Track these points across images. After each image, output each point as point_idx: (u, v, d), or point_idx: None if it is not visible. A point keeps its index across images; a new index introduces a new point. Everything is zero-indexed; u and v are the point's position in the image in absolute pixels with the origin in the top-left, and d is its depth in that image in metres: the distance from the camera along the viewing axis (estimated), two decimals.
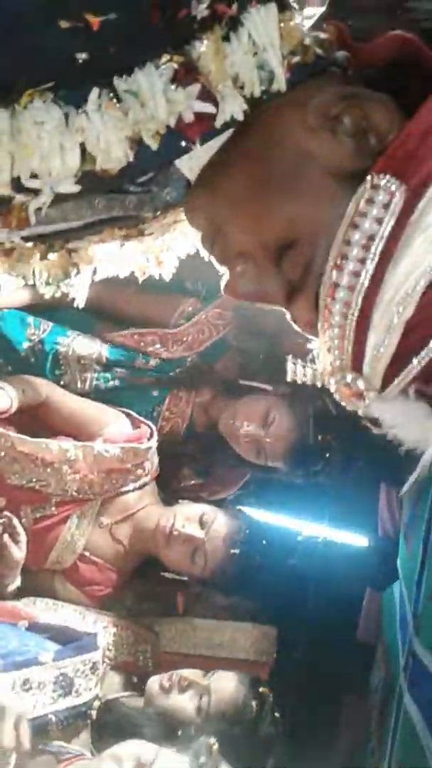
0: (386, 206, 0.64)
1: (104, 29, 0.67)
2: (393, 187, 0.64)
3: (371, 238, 0.65)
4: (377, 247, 0.65)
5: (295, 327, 0.77)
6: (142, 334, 2.05)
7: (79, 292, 1.08)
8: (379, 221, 0.65)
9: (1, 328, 1.98)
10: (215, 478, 2.19)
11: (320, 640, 2.09)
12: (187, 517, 1.86)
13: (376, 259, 0.65)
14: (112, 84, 0.69)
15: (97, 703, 1.50)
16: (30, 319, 2.00)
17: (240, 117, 0.72)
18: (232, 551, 1.82)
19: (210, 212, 0.78)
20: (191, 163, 0.77)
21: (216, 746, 1.40)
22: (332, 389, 0.73)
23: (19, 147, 0.69)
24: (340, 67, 0.75)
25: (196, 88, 0.70)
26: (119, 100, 0.69)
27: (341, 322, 0.67)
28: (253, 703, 1.66)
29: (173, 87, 0.69)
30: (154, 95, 0.68)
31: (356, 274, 0.66)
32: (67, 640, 1.59)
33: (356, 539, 2.37)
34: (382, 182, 0.65)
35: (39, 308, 2.02)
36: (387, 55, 0.75)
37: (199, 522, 1.85)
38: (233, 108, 0.71)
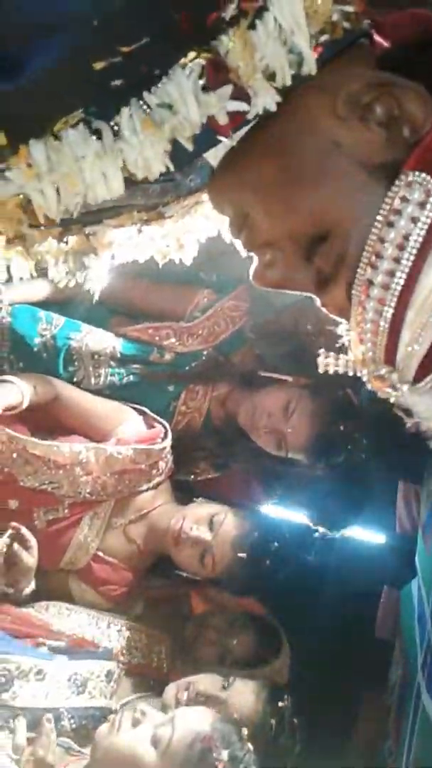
0: (422, 205, 0.64)
1: (136, 52, 0.65)
2: (429, 186, 0.63)
3: (406, 237, 0.64)
4: (412, 247, 0.64)
5: (325, 311, 0.76)
6: (157, 328, 2.00)
7: (96, 279, 1.04)
8: (414, 220, 0.64)
9: (12, 324, 1.93)
10: (233, 473, 2.14)
11: (338, 638, 2.07)
12: (197, 518, 1.84)
13: (412, 259, 0.64)
14: (143, 97, 0.68)
15: (112, 717, 1.46)
16: (42, 313, 1.96)
17: (273, 109, 0.70)
18: (240, 555, 1.79)
19: (237, 201, 0.77)
20: (216, 152, 0.77)
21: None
22: (365, 379, 0.73)
23: (62, 179, 0.69)
24: (367, 37, 0.73)
25: (228, 89, 0.68)
26: (149, 108, 0.68)
27: (375, 318, 0.67)
28: (272, 721, 1.64)
29: (202, 84, 0.68)
30: (185, 101, 0.68)
31: (391, 274, 0.65)
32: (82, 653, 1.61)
33: (374, 536, 2.34)
34: (418, 179, 0.64)
35: (51, 303, 1.98)
36: (411, 34, 0.72)
37: (208, 523, 1.82)
38: (266, 101, 0.70)
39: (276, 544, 1.87)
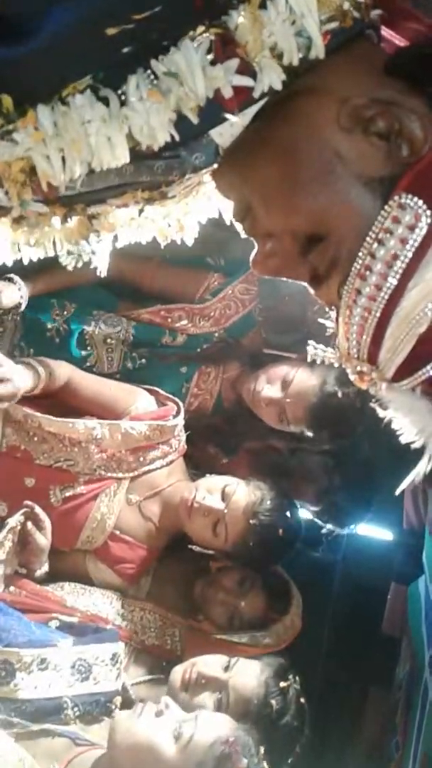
0: (411, 228, 0.68)
1: (148, 20, 0.67)
2: (419, 211, 0.67)
3: (395, 257, 0.69)
4: (400, 266, 0.69)
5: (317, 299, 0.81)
6: (169, 310, 2.02)
7: (101, 260, 1.06)
8: (404, 242, 0.68)
9: (25, 311, 1.96)
10: (242, 463, 2.17)
11: (345, 633, 2.08)
12: (209, 488, 1.84)
13: (398, 277, 0.69)
14: (150, 65, 0.69)
15: (118, 699, 1.48)
16: (54, 300, 1.98)
17: (278, 87, 0.72)
18: (252, 521, 1.79)
19: (240, 192, 0.80)
20: (222, 129, 0.78)
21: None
22: (348, 372, 0.79)
23: (67, 143, 0.70)
24: (374, 28, 0.76)
25: (234, 62, 0.70)
26: (156, 77, 0.70)
27: (360, 323, 0.72)
28: (274, 702, 1.63)
29: (210, 59, 0.69)
30: (192, 72, 0.69)
31: (378, 287, 0.70)
32: (89, 632, 1.59)
33: (381, 533, 2.34)
34: (410, 203, 0.68)
35: (63, 289, 2.01)
36: (426, 42, 0.75)
37: (221, 493, 1.83)
38: (271, 79, 0.71)
39: (288, 513, 1.87)
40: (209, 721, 1.34)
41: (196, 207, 0.98)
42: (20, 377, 1.71)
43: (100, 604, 1.81)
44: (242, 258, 2.01)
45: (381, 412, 0.79)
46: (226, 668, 1.66)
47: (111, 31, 0.66)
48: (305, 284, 0.81)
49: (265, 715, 1.60)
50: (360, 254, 0.70)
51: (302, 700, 1.67)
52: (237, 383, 2.06)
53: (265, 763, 1.37)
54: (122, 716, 1.35)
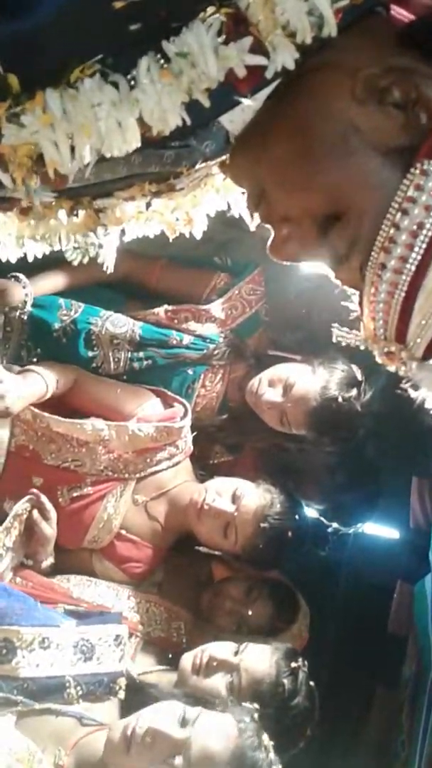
0: None
1: None
2: None
3: (420, 225, 0.66)
4: (426, 235, 0.66)
5: (338, 284, 0.79)
6: (176, 311, 2.03)
7: (108, 256, 1.06)
8: (428, 209, 0.66)
9: (32, 311, 1.97)
10: (247, 462, 2.17)
11: (351, 632, 2.07)
12: (219, 491, 1.85)
13: (424, 246, 0.66)
14: (161, 48, 0.69)
15: (123, 680, 1.47)
16: (61, 300, 1.99)
17: (291, 66, 0.71)
18: (262, 525, 1.80)
19: (254, 175, 0.79)
20: (232, 116, 0.77)
21: (257, 714, 1.39)
22: (375, 354, 0.76)
23: (76, 127, 0.69)
24: (384, 6, 0.74)
25: (247, 41, 0.69)
26: (168, 61, 0.69)
27: (387, 299, 0.69)
28: (286, 681, 1.63)
29: (222, 41, 0.68)
30: (204, 53, 0.68)
31: (404, 260, 0.67)
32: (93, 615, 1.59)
33: (388, 531, 2.34)
34: None
35: (70, 289, 2.01)
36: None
37: (231, 496, 1.84)
38: (285, 58, 0.70)
39: (297, 516, 1.88)
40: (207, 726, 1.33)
41: (205, 199, 0.98)
42: (19, 390, 1.72)
43: (106, 595, 1.82)
44: (249, 258, 2.04)
45: (413, 394, 0.77)
46: (236, 652, 1.66)
47: (118, 4, 0.65)
48: (324, 270, 0.78)
49: (277, 694, 1.61)
50: (383, 227, 0.68)
51: (311, 683, 1.68)
52: (243, 384, 2.06)
53: (272, 754, 1.36)
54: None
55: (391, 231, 0.67)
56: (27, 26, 0.64)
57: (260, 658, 1.65)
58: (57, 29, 0.65)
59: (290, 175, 0.73)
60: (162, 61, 0.68)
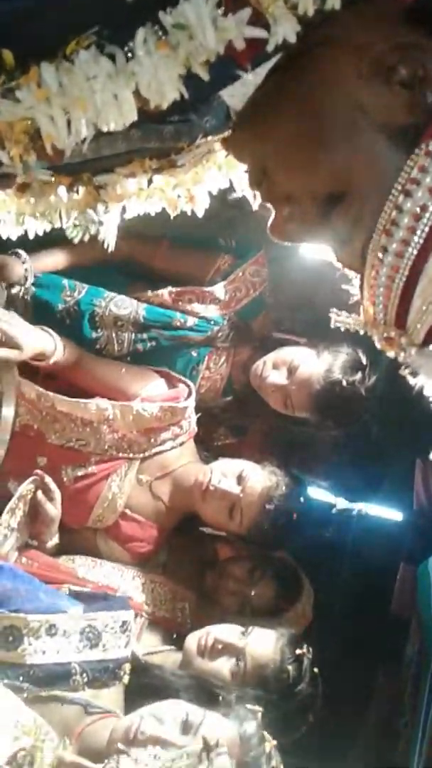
0: None
1: None
2: None
3: (424, 208, 0.65)
4: (429, 218, 0.65)
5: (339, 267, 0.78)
6: (180, 293, 2.03)
7: (108, 233, 1.06)
8: None
9: (35, 292, 1.97)
10: (251, 441, 2.17)
11: (354, 613, 2.08)
12: (224, 472, 1.86)
13: (426, 230, 0.65)
14: (158, 19, 0.67)
15: (128, 666, 1.48)
16: (65, 281, 1.99)
17: (293, 39, 0.69)
18: (268, 506, 1.81)
19: (256, 152, 0.78)
20: (233, 90, 0.76)
21: (260, 714, 1.39)
22: (374, 339, 0.75)
23: (72, 101, 0.68)
24: None
25: (246, 13, 0.67)
26: (165, 33, 0.68)
27: (387, 283, 0.69)
28: (290, 668, 1.64)
29: (221, 12, 0.67)
30: (202, 25, 0.67)
31: (405, 243, 0.66)
32: (100, 599, 1.59)
33: (391, 513, 2.34)
34: None
35: (73, 270, 2.01)
36: None
37: (236, 478, 1.84)
38: (286, 30, 0.69)
39: (302, 498, 1.89)
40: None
41: (207, 176, 0.98)
42: (29, 335, 1.71)
43: (111, 575, 1.83)
44: (253, 240, 2.03)
45: (411, 380, 0.76)
46: (242, 635, 1.67)
47: None
48: (325, 252, 0.78)
49: (282, 681, 1.62)
50: (385, 209, 0.66)
51: (315, 669, 1.68)
52: (247, 366, 2.06)
53: (267, 745, 1.36)
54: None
55: (393, 213, 0.66)
56: (21, 3, 0.63)
57: (265, 644, 1.66)
58: (51, 4, 0.64)
59: (294, 154, 0.72)
60: (159, 32, 0.67)
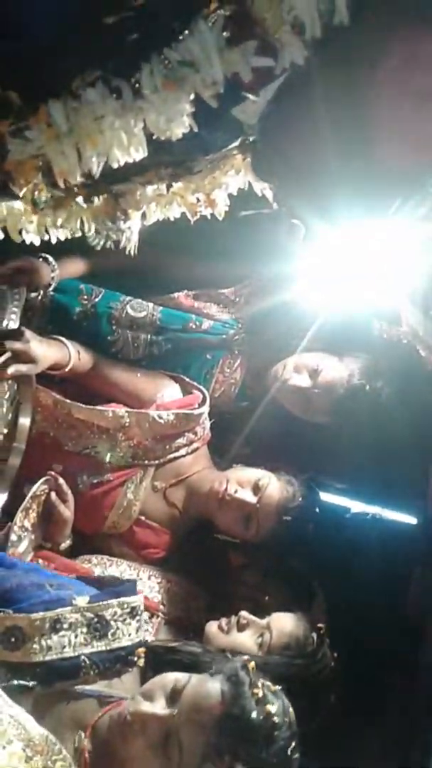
0: None
1: (152, 4, 0.66)
2: None
3: None
4: None
5: None
6: (195, 296, 2.02)
7: (131, 238, 1.06)
8: None
9: (54, 296, 1.98)
10: (264, 445, 2.16)
11: (368, 617, 2.07)
12: (240, 482, 1.85)
13: None
14: (163, 53, 0.68)
15: (142, 650, 1.44)
16: (82, 285, 2.00)
17: (301, 62, 0.69)
18: (285, 518, 1.81)
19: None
20: (243, 106, 0.76)
21: (253, 664, 1.36)
22: (419, 348, 0.72)
23: (81, 139, 0.69)
24: None
25: (252, 44, 0.68)
26: (171, 66, 0.68)
27: None
28: (314, 635, 1.68)
29: (226, 38, 0.67)
30: (209, 58, 0.66)
31: None
32: (107, 586, 1.55)
33: (405, 517, 2.33)
34: None
35: (90, 275, 2.01)
36: None
37: (252, 487, 1.84)
38: (293, 55, 0.69)
39: (318, 509, 1.89)
40: None
41: (225, 180, 0.97)
42: (41, 348, 1.72)
43: (127, 575, 1.83)
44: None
45: None
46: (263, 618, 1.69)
47: (109, 19, 0.65)
48: None
49: (307, 645, 1.66)
50: None
51: (335, 654, 1.72)
52: (261, 371, 2.05)
53: (259, 690, 1.31)
54: None
55: None
56: (22, 44, 0.64)
57: (287, 619, 1.70)
58: (55, 50, 0.65)
59: None
60: (166, 62, 0.67)
